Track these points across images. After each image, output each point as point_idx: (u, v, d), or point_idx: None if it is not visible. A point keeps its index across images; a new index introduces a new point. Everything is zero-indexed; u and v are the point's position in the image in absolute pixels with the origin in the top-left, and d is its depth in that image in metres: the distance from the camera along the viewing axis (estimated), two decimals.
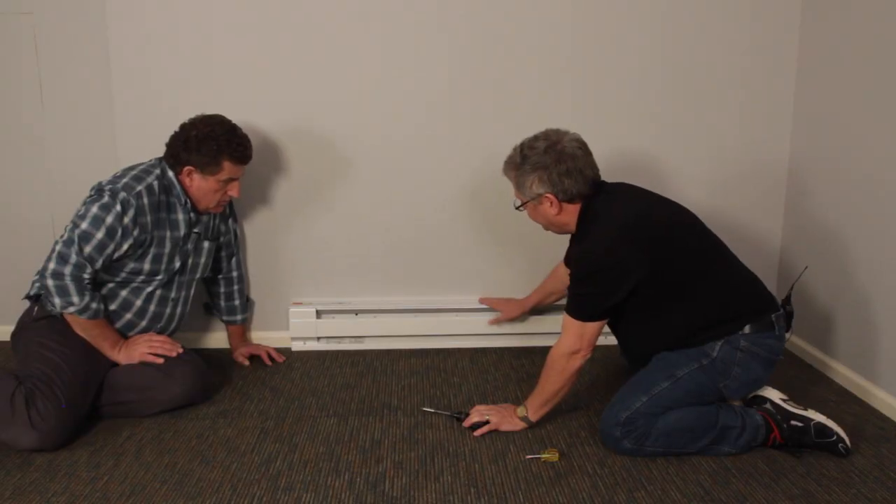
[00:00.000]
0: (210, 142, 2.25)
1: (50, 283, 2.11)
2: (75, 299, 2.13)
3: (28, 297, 2.29)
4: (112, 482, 1.87)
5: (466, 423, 2.15)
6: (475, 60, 2.64)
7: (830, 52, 2.51)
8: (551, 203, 2.03)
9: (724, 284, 2.01)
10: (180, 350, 2.30)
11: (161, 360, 2.24)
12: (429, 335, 2.80)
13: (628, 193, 2.11)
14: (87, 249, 2.12)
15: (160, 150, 2.43)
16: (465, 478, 1.89)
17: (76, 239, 2.11)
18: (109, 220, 2.13)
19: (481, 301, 2.76)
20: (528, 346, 2.77)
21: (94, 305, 2.17)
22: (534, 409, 2.10)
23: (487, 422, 2.12)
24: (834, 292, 2.51)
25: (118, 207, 2.13)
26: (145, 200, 2.20)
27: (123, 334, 2.29)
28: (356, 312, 2.78)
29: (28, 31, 2.67)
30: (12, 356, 2.26)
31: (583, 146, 2.03)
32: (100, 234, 2.12)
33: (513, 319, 2.73)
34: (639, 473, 1.91)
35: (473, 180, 2.73)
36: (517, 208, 2.11)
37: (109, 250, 2.16)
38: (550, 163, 1.98)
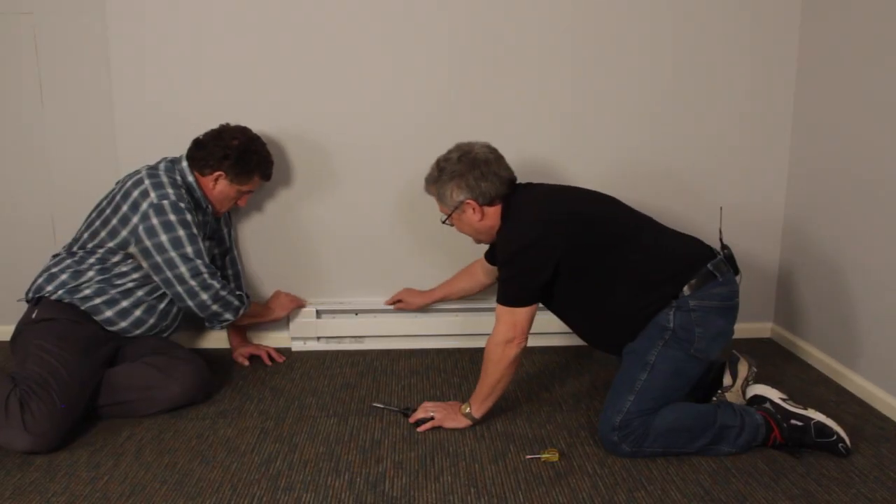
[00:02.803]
0: (252, 156, 2.38)
1: (215, 307, 2.33)
2: (236, 302, 2.39)
3: (28, 300, 2.30)
4: (112, 482, 1.87)
5: (412, 420, 2.17)
6: (475, 60, 2.64)
7: (830, 53, 2.51)
8: (473, 209, 2.11)
9: (653, 251, 2.04)
10: (305, 306, 2.71)
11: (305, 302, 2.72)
12: (429, 335, 2.80)
13: (544, 188, 2.19)
14: (208, 259, 2.31)
15: (160, 150, 2.44)
16: (465, 478, 1.89)
17: (198, 262, 2.25)
18: (194, 229, 2.28)
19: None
20: (527, 345, 2.77)
21: (242, 295, 2.43)
22: (476, 404, 2.12)
23: (432, 418, 2.14)
24: (835, 292, 2.51)
25: (189, 216, 2.28)
26: (191, 205, 2.32)
27: (129, 331, 2.31)
28: (356, 312, 2.78)
29: (28, 31, 2.67)
30: (11, 358, 2.26)
31: (493, 151, 2.15)
32: (201, 243, 2.29)
33: (415, 309, 2.75)
34: (639, 473, 1.91)
35: None
36: (443, 222, 2.21)
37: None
38: (465, 170, 2.09)
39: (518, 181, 2.18)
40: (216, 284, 2.29)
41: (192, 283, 2.26)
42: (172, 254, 2.22)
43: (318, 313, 2.76)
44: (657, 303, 1.99)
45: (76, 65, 2.69)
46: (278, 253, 2.76)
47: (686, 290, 1.97)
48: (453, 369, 2.61)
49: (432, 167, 2.18)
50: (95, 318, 2.25)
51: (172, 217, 2.23)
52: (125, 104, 2.61)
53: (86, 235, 2.30)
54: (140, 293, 2.30)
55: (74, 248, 2.31)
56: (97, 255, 2.27)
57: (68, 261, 2.28)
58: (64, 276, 2.24)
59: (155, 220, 2.22)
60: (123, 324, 2.29)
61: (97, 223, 2.29)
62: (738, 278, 2.06)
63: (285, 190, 2.71)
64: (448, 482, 1.87)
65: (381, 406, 2.29)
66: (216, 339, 2.80)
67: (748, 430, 1.98)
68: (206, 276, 2.27)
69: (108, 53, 2.59)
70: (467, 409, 2.14)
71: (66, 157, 2.76)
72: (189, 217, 2.26)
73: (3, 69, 2.71)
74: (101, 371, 2.20)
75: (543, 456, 1.98)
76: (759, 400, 2.06)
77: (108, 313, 2.26)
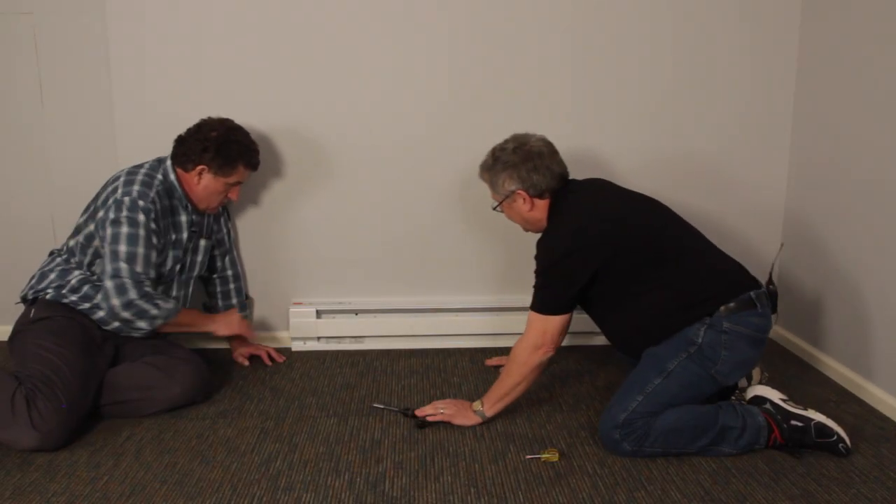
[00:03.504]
0: (232, 145, 2.33)
1: (126, 314, 2.18)
2: (155, 312, 2.22)
3: (24, 300, 2.30)
4: (112, 482, 1.87)
5: (420, 413, 2.17)
6: (475, 61, 2.64)
7: (830, 52, 2.51)
8: (524, 199, 2.13)
9: (698, 270, 2.03)
10: (252, 339, 2.62)
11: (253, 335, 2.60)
12: (429, 335, 2.80)
13: (594, 189, 2.18)
14: (140, 268, 2.19)
15: (160, 150, 2.43)
16: (465, 478, 1.89)
17: (124, 266, 2.17)
18: (142, 232, 2.19)
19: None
20: None
21: (170, 305, 2.27)
22: (490, 403, 2.13)
23: (441, 413, 2.15)
24: (834, 292, 2.51)
25: (142, 217, 2.19)
26: (158, 206, 2.26)
27: (123, 329, 2.30)
28: (356, 312, 2.78)
29: (28, 31, 2.67)
30: (9, 359, 2.26)
31: (548, 145, 2.16)
32: (142, 249, 2.19)
33: None
34: (639, 473, 1.91)
35: (474, 180, 2.71)
36: (494, 209, 2.22)
37: (154, 259, 2.23)
38: (519, 161, 2.11)
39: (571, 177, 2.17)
40: (132, 294, 2.17)
41: (109, 284, 2.17)
42: (107, 248, 2.18)
43: (318, 313, 2.76)
44: (692, 318, 1.99)
45: (76, 65, 2.69)
46: (278, 253, 2.76)
47: (723, 310, 1.97)
48: (453, 369, 2.61)
49: (487, 155, 2.19)
50: (92, 317, 2.25)
51: (124, 213, 2.18)
52: (125, 104, 2.61)
53: (73, 234, 2.31)
54: None
55: (64, 248, 2.33)
56: (76, 258, 2.29)
57: (58, 259, 2.31)
58: (53, 276, 2.25)
59: (111, 214, 2.20)
60: (116, 323, 2.29)
61: (80, 222, 2.30)
62: (774, 317, 2.06)
63: (286, 189, 2.71)
64: (448, 482, 1.87)
65: (381, 406, 2.30)
66: (216, 340, 2.80)
67: (750, 432, 1.98)
68: (125, 280, 2.16)
69: (108, 53, 2.59)
70: (479, 407, 2.14)
71: (66, 157, 2.76)
72: (142, 217, 2.19)
73: (3, 69, 2.71)
74: (104, 368, 2.21)
75: (543, 456, 1.97)
76: (759, 400, 2.06)
77: (101, 313, 2.25)
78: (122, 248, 2.17)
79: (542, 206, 2.14)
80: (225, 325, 2.48)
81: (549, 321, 2.03)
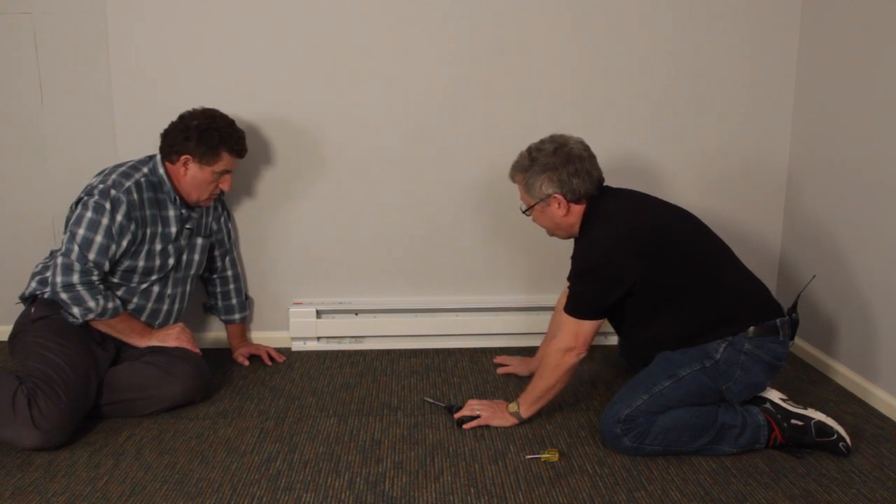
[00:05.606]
0: (212, 132, 2.29)
1: (64, 296, 2.14)
2: (91, 304, 2.17)
3: (23, 298, 2.30)
4: (112, 482, 1.87)
5: (457, 416, 2.16)
6: (476, 60, 2.64)
7: (830, 52, 2.51)
8: (559, 204, 2.06)
9: (727, 291, 2.02)
10: (198, 351, 2.35)
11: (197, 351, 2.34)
12: (429, 335, 2.80)
13: (632, 199, 2.14)
14: (92, 256, 2.15)
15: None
16: (465, 478, 1.89)
17: (76, 248, 2.14)
18: (105, 221, 2.16)
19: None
20: (528, 346, 2.77)
21: (111, 305, 2.21)
22: (526, 405, 2.12)
23: (478, 416, 2.14)
24: (834, 292, 2.51)
25: (108, 206, 2.16)
26: (135, 196, 2.22)
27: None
28: (356, 312, 2.78)
29: (28, 31, 2.67)
30: (10, 359, 2.26)
31: (587, 149, 2.10)
32: (100, 238, 2.15)
33: (524, 374, 2.52)
34: (639, 473, 1.91)
35: (474, 181, 2.73)
36: (524, 212, 2.15)
37: (112, 251, 2.18)
38: (559, 164, 2.03)
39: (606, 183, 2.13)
40: (75, 278, 2.13)
41: (59, 260, 2.15)
42: (69, 227, 2.18)
43: (318, 313, 2.76)
44: (716, 337, 1.99)
45: (76, 65, 2.69)
46: (278, 253, 2.76)
47: (747, 332, 1.97)
48: (453, 369, 2.61)
49: (522, 155, 2.10)
50: None
51: (94, 198, 2.18)
52: (125, 104, 2.61)
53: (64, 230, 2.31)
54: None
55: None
56: None
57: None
58: (47, 274, 2.25)
59: (83, 196, 2.21)
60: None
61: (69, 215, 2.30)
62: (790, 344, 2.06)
63: (286, 189, 2.71)
64: (448, 482, 1.87)
65: (432, 401, 2.31)
66: (216, 339, 2.80)
67: (749, 431, 1.98)
68: (74, 262, 2.13)
69: (108, 53, 2.59)
70: (515, 409, 2.13)
71: (66, 157, 2.76)
72: (108, 206, 2.16)
73: (3, 69, 2.71)
74: (105, 367, 2.21)
75: (543, 456, 1.97)
76: (759, 400, 2.06)
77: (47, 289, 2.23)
78: (81, 231, 2.15)
79: (577, 211, 2.08)
80: (167, 336, 2.33)
81: (582, 325, 2.01)
